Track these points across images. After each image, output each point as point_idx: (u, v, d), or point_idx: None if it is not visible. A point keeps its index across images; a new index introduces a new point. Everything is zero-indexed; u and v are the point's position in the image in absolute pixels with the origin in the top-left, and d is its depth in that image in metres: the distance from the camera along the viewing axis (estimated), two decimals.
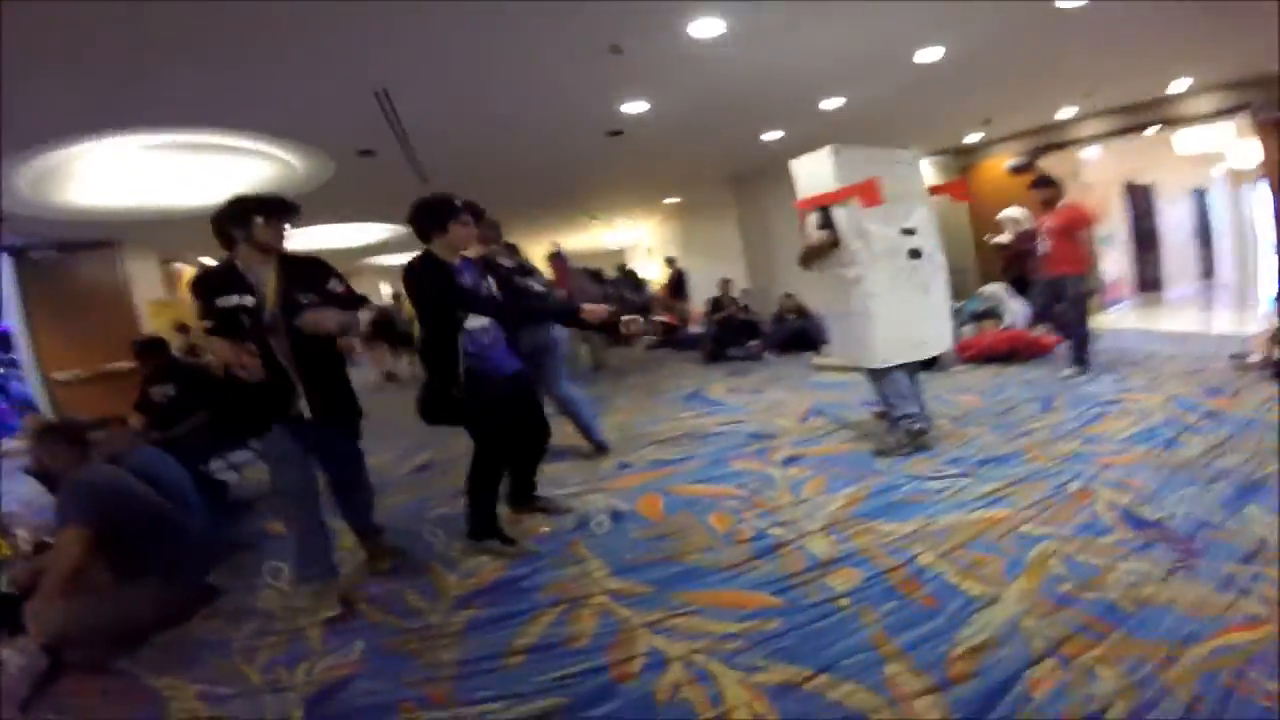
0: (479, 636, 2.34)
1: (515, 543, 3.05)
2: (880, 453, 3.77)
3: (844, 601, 2.29)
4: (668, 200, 11.78)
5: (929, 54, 4.64)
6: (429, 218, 2.90)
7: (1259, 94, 6.02)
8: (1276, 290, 5.50)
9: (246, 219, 2.54)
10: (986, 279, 7.11)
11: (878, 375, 3.85)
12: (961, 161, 9.86)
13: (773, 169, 8.42)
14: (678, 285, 12.02)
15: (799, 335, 8.34)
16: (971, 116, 7.43)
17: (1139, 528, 2.55)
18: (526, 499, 3.46)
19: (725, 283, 9.21)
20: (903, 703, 1.73)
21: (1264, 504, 2.61)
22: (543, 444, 3.40)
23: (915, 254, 3.77)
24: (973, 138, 8.68)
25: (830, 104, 5.74)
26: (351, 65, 3.64)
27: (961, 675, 1.80)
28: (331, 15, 3.07)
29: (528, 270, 4.14)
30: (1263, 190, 7.21)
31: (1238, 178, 11.15)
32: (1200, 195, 11.94)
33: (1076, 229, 5.15)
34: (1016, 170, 8.64)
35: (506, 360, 3.06)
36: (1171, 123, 7.20)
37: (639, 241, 17.97)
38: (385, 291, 16.89)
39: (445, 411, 2.91)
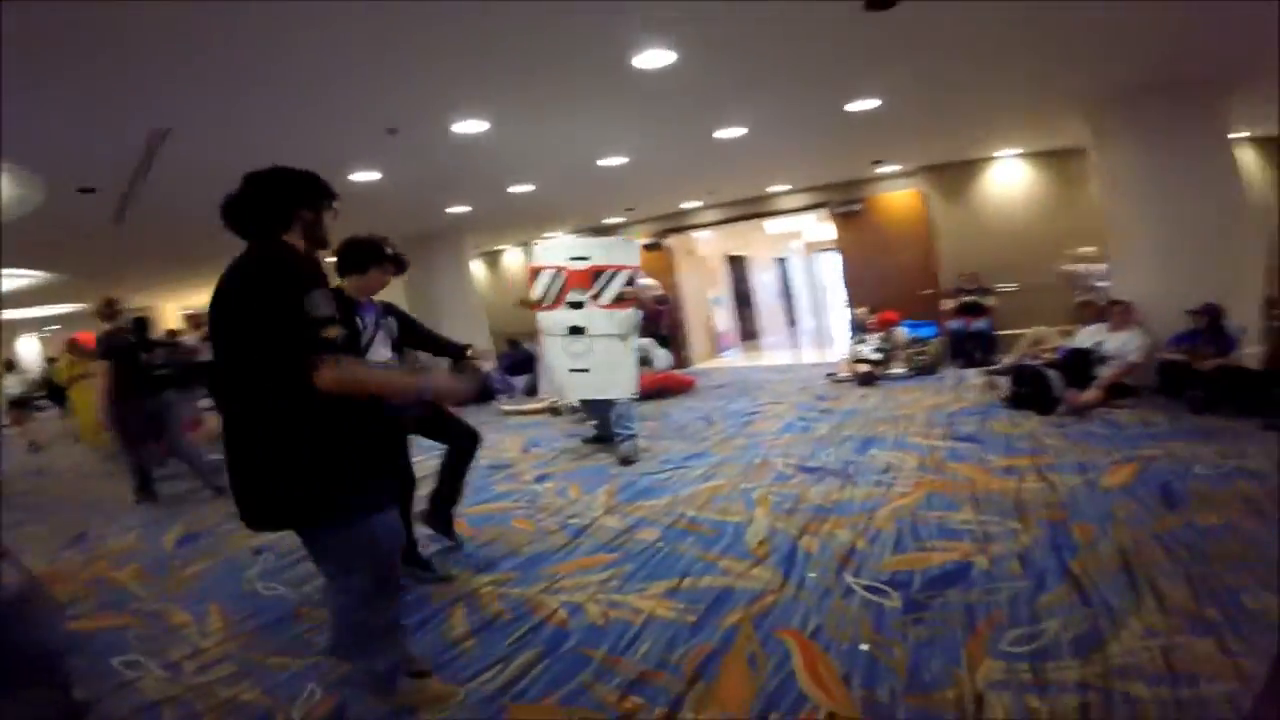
0: (418, 640, 2.51)
1: (432, 568, 3.16)
2: (626, 460, 4.87)
3: (660, 545, 3.26)
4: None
5: (611, 161, 6.12)
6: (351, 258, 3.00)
7: (833, 194, 9.62)
8: (850, 329, 8.53)
9: (325, 198, 2.07)
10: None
11: (618, 404, 5.03)
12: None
13: (447, 234, 9.17)
14: None
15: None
16: (619, 204, 9.41)
17: (811, 471, 4.18)
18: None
19: None
20: (744, 575, 2.80)
21: (881, 448, 4.55)
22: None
23: None
24: (613, 219, 10.69)
25: (519, 189, 6.85)
26: (115, 97, 3.27)
27: (764, 555, 2.97)
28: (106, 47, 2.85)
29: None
30: (835, 259, 10.92)
31: (810, 249, 16.05)
32: (782, 263, 16.94)
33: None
34: (649, 248, 10.99)
35: None
36: (769, 214, 10.51)
37: None
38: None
39: None
